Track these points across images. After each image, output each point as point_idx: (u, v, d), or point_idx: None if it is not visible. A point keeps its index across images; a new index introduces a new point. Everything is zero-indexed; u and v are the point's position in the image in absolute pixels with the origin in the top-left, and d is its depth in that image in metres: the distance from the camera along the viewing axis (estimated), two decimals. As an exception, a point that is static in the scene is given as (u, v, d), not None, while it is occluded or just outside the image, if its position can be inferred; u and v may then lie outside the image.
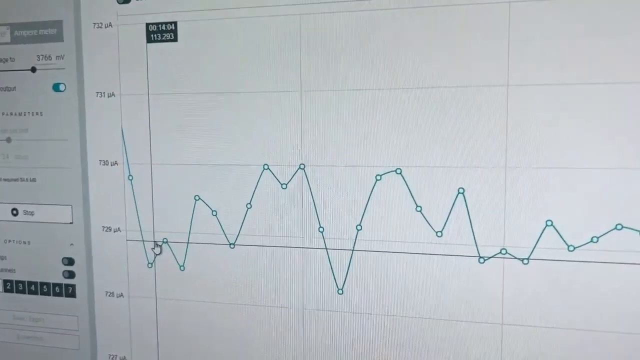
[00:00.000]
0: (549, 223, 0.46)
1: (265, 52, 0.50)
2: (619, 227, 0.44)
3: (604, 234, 0.45)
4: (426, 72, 0.47)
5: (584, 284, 0.46)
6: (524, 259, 0.47)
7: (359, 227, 0.50)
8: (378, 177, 0.49)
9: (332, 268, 0.51)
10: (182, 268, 0.54)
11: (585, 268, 0.45)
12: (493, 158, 0.46)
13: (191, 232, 0.54)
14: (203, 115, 0.52)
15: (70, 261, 0.57)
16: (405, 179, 0.48)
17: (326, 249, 0.51)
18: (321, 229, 0.51)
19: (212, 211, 0.53)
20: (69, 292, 0.57)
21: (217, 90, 0.52)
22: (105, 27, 0.54)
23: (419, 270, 0.49)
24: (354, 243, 0.50)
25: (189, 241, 0.54)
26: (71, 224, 0.57)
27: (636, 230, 0.44)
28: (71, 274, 0.57)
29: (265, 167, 0.51)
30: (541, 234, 0.46)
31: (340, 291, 0.51)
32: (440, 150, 0.47)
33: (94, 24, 0.54)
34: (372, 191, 0.49)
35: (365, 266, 0.50)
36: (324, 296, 0.51)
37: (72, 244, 0.57)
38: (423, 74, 0.47)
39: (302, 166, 0.51)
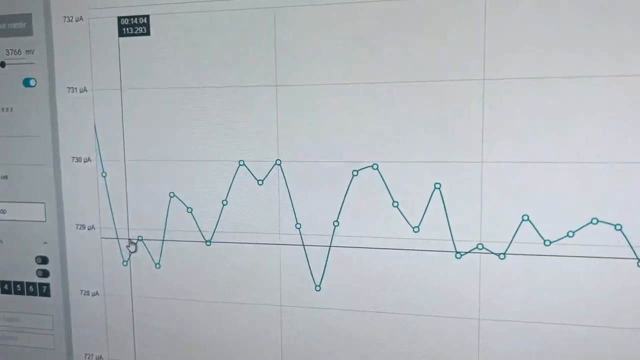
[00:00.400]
0: (525, 218, 0.46)
1: (239, 46, 0.49)
2: (594, 221, 0.44)
3: (579, 228, 0.45)
4: (402, 67, 0.46)
5: (560, 278, 0.46)
6: (500, 253, 0.46)
7: (336, 223, 0.49)
8: (355, 173, 0.48)
9: (309, 265, 0.50)
10: (157, 266, 0.54)
11: (562, 262, 0.45)
12: (469, 153, 0.46)
13: (166, 229, 0.53)
14: (177, 110, 0.51)
15: (44, 260, 0.56)
16: (382, 174, 0.48)
17: (303, 245, 0.50)
18: (298, 226, 0.50)
19: (188, 208, 0.52)
20: (43, 291, 0.56)
21: (191, 85, 0.51)
22: (76, 21, 0.53)
23: (396, 266, 0.49)
24: (331, 239, 0.50)
25: (165, 239, 0.53)
26: (44, 222, 0.55)
27: (611, 224, 0.44)
28: (45, 273, 0.56)
29: (241, 163, 0.51)
30: (517, 229, 0.46)
31: (317, 288, 0.50)
32: (416, 145, 0.47)
33: (64, 17, 0.53)
34: (348, 187, 0.49)
35: (343, 262, 0.50)
36: (301, 293, 0.51)
37: (45, 243, 0.56)
38: (399, 68, 0.46)
39: (278, 162, 0.50)
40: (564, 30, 0.43)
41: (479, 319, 0.47)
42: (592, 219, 0.44)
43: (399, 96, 0.47)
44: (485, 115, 0.45)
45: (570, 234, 0.45)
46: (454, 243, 0.47)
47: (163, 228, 0.53)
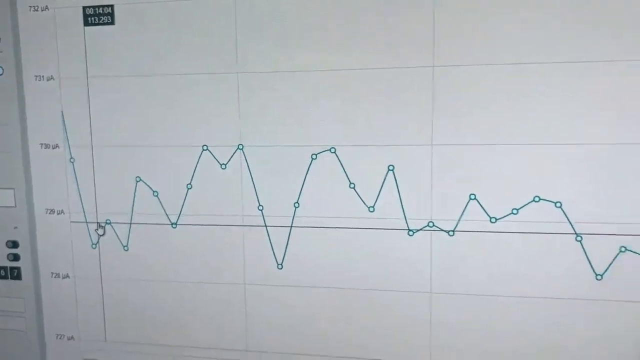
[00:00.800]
0: (472, 197, 0.48)
1: (201, 34, 0.51)
2: (536, 199, 0.47)
3: (523, 206, 0.48)
4: (356, 54, 0.49)
5: (506, 253, 0.49)
6: (449, 231, 0.49)
7: (296, 205, 0.52)
8: (314, 156, 0.51)
9: (271, 244, 0.53)
10: (125, 248, 0.55)
11: (507, 238, 0.48)
12: (420, 136, 0.49)
13: (133, 212, 0.55)
14: (142, 97, 0.53)
15: (14, 244, 0.57)
16: (339, 158, 0.50)
17: (266, 226, 0.52)
18: (260, 207, 0.52)
19: (154, 192, 0.54)
20: (14, 274, 0.58)
21: (155, 73, 0.52)
22: (42, 10, 0.54)
23: (353, 244, 0.51)
24: (292, 220, 0.52)
25: (132, 222, 0.55)
26: (14, 207, 0.57)
27: (552, 201, 0.47)
28: (16, 257, 0.58)
29: (205, 147, 0.53)
30: (465, 207, 0.49)
31: (280, 266, 0.53)
32: (371, 129, 0.49)
33: (30, 6, 0.54)
34: (308, 170, 0.51)
35: (303, 242, 0.52)
36: (264, 271, 0.53)
37: (16, 227, 0.57)
38: (353, 56, 0.49)
39: (240, 146, 0.52)
40: (511, 17, 0.46)
41: (430, 293, 0.50)
42: (534, 197, 0.47)
43: (355, 83, 0.49)
44: (434, 100, 0.48)
45: (515, 211, 0.48)
46: (406, 221, 0.50)
47: (130, 212, 0.55)
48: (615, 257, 0.47)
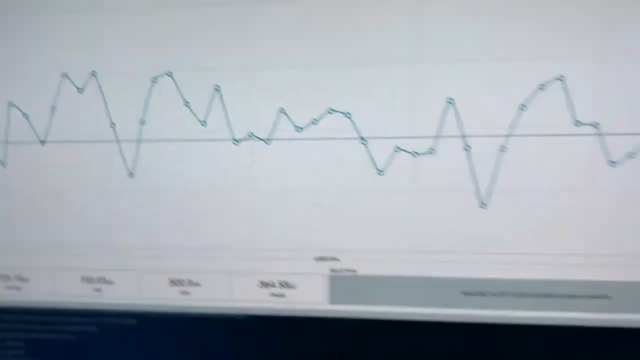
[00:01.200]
0: (282, 110, 0.59)
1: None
2: (330, 111, 0.59)
3: (321, 118, 0.59)
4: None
5: (309, 156, 0.60)
6: (266, 139, 0.60)
7: (142, 122, 0.62)
8: (154, 80, 0.61)
9: (123, 157, 0.63)
10: (4, 165, 0.65)
11: (310, 143, 0.59)
12: (242, 60, 0.59)
13: (8, 133, 0.64)
14: (9, 33, 0.62)
15: None
16: (175, 81, 0.61)
17: (118, 141, 0.63)
18: (113, 125, 0.62)
19: (24, 114, 0.64)
20: None
21: (20, 12, 0.62)
22: None
23: (191, 155, 0.61)
24: (140, 134, 0.62)
25: (8, 141, 0.64)
26: None
27: (342, 112, 0.58)
28: None
29: (64, 75, 0.62)
30: (277, 119, 0.60)
31: (131, 175, 0.63)
32: (200, 54, 0.60)
33: None
34: (149, 92, 0.61)
35: (149, 153, 0.62)
36: (118, 180, 0.63)
37: None
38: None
39: (94, 73, 0.62)
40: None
41: (255, 191, 0.61)
42: (328, 110, 0.59)
43: (184, 16, 0.59)
44: (255, 33, 0.58)
45: (315, 121, 0.59)
46: (232, 133, 0.61)
47: (5, 132, 0.64)
48: (392, 155, 0.58)
